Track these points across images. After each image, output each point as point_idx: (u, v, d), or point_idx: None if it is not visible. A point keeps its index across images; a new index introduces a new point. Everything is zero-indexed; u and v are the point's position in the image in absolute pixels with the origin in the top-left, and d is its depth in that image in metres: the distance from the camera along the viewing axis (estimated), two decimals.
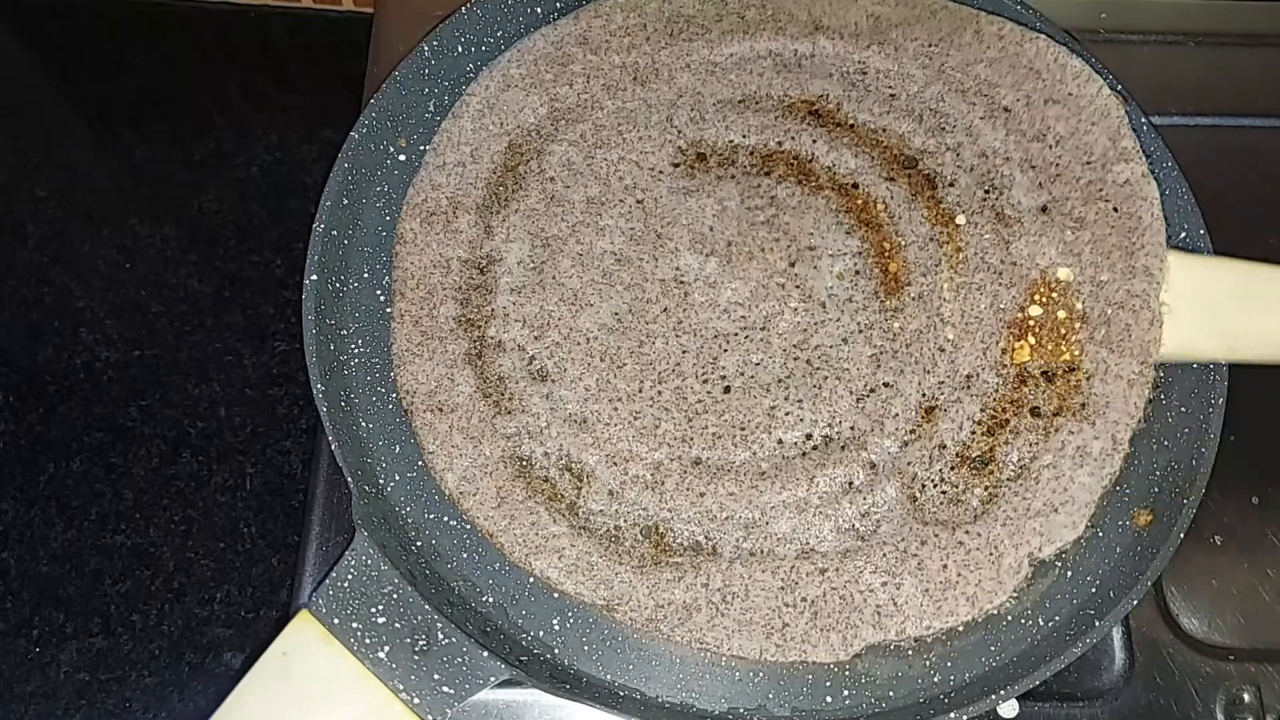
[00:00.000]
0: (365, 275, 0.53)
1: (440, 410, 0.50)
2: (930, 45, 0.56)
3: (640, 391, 0.51)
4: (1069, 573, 0.49)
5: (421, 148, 0.55)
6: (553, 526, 0.48)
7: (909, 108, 0.55)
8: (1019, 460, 0.49)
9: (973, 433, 0.49)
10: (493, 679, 0.44)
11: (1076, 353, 0.50)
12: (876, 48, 0.56)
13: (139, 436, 0.59)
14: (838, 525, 0.48)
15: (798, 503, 0.49)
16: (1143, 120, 0.55)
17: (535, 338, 0.51)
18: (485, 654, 0.44)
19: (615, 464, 0.49)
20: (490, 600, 0.48)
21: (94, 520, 0.58)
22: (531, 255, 0.53)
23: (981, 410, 0.50)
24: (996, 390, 0.50)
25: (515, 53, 0.56)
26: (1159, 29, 0.65)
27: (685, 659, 0.48)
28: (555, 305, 0.52)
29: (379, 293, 0.53)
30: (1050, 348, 0.50)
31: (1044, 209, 0.52)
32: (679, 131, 0.56)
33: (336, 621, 0.45)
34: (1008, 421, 0.49)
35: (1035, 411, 0.49)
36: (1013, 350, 0.50)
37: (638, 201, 0.54)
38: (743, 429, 0.50)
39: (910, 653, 0.48)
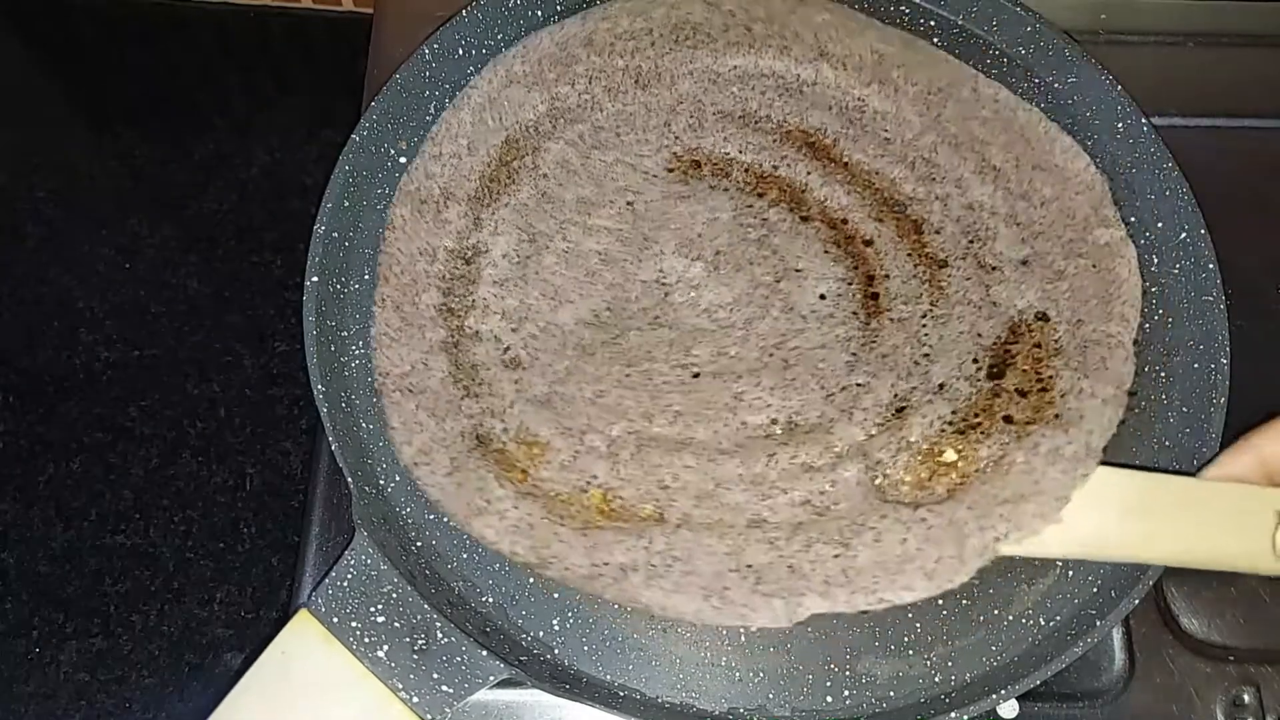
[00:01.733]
0: (366, 277, 0.53)
1: (410, 391, 0.50)
2: (929, 93, 0.57)
3: (608, 374, 0.50)
4: (1069, 572, 0.48)
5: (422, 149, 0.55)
6: (499, 490, 0.48)
7: (902, 154, 0.56)
8: (989, 456, 0.48)
9: (942, 430, 0.49)
10: (492, 678, 0.44)
11: (1050, 375, 0.50)
12: (877, 86, 0.57)
13: (139, 436, 0.60)
14: (793, 500, 0.48)
15: (754, 478, 0.48)
16: (1143, 120, 0.55)
17: (512, 330, 0.51)
18: (484, 653, 0.44)
19: (572, 436, 0.49)
20: (490, 600, 0.48)
21: (94, 520, 0.58)
22: (518, 249, 0.53)
23: (953, 413, 0.49)
24: (970, 398, 0.50)
25: (520, 49, 0.56)
26: (1159, 29, 0.65)
27: (685, 658, 0.48)
28: (536, 299, 0.52)
29: None
30: (1025, 370, 0.50)
31: (1025, 261, 0.53)
32: (676, 137, 0.56)
33: (336, 621, 0.45)
34: (979, 424, 0.49)
35: (1008, 419, 0.49)
36: (987, 368, 0.50)
37: (628, 203, 0.54)
38: (707, 408, 0.50)
39: (910, 652, 0.48)
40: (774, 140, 0.56)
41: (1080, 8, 0.65)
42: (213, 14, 0.70)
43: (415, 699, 0.44)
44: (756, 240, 0.54)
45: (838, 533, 0.47)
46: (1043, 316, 0.51)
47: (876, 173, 0.55)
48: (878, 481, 0.48)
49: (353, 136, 0.53)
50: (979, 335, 0.51)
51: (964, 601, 0.48)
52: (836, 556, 0.46)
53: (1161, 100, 0.60)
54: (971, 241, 0.54)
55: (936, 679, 0.47)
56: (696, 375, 0.51)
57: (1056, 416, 0.49)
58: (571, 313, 0.52)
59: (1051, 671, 0.45)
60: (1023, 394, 0.50)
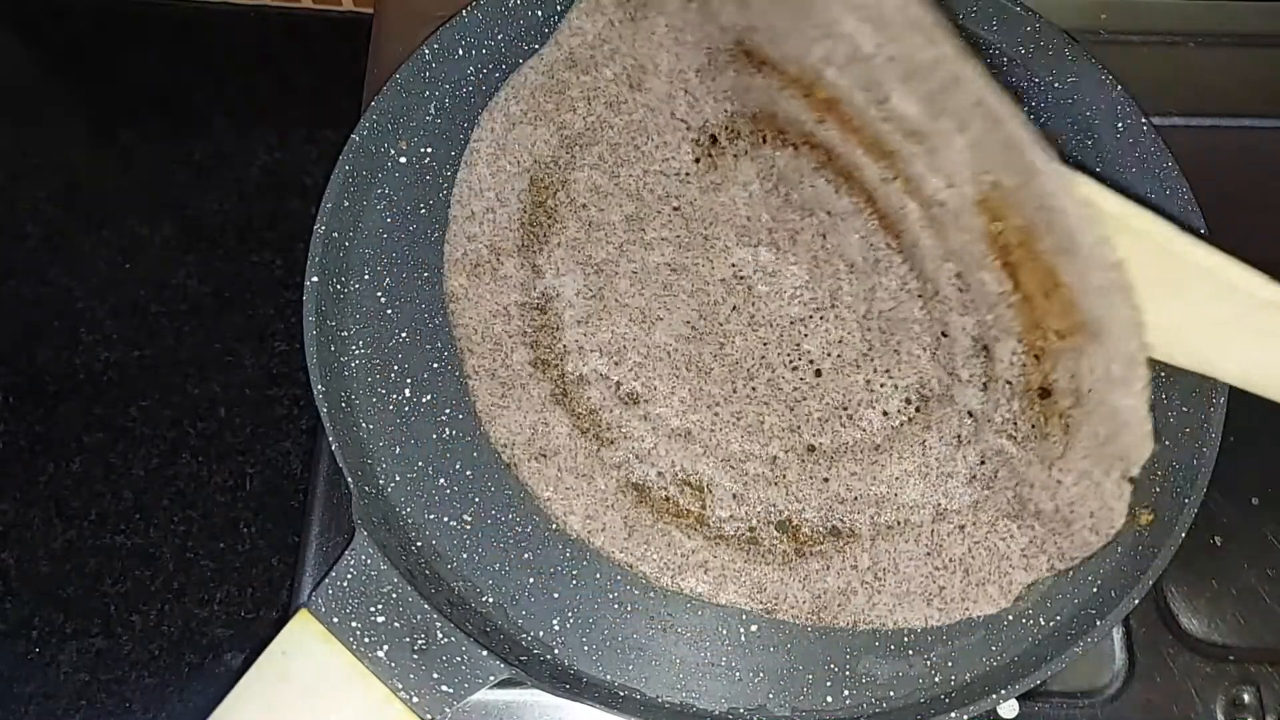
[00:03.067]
0: (366, 277, 0.53)
1: (544, 456, 0.50)
2: None
3: (735, 392, 0.51)
4: (1069, 572, 0.49)
5: (422, 149, 0.55)
6: (689, 543, 0.48)
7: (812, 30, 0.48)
8: (1071, 385, 0.48)
9: (1024, 364, 0.49)
10: (492, 678, 0.44)
11: (1048, 261, 0.46)
12: None
13: (139, 436, 0.59)
14: (961, 480, 0.49)
15: (919, 469, 0.49)
16: (1143, 120, 0.55)
17: (615, 363, 0.51)
18: (484, 653, 0.44)
19: (732, 466, 0.50)
20: (490, 600, 0.48)
21: (94, 520, 0.58)
22: (587, 284, 0.52)
23: (1019, 341, 0.49)
24: (1016, 320, 0.49)
25: (509, 90, 0.55)
26: (1159, 29, 0.66)
27: (685, 658, 0.48)
28: (625, 326, 0.52)
29: (380, 294, 0.53)
30: (1030, 265, 0.47)
31: (929, 99, 0.46)
32: (684, 122, 0.55)
33: (336, 620, 0.45)
34: (1043, 347, 0.49)
35: (1058, 333, 0.48)
36: (1002, 271, 0.48)
37: (674, 209, 0.54)
38: (845, 409, 0.50)
39: (910, 652, 0.48)
40: (734, 72, 0.52)
41: (1080, 8, 0.65)
42: (213, 14, 0.70)
43: (415, 699, 0.44)
44: (785, 202, 0.53)
45: (1008, 505, 0.48)
46: (988, 181, 0.46)
47: (795, 60, 0.49)
48: (1014, 438, 0.49)
49: (353, 136, 0.53)
50: (967, 228, 0.47)
51: None
52: (1020, 530, 0.48)
53: (1161, 100, 0.60)
54: (878, 105, 0.47)
55: (936, 679, 0.47)
56: (819, 373, 0.51)
57: (1084, 324, 0.46)
58: (665, 330, 0.52)
59: (1051, 671, 0.45)
60: (1046, 297, 0.47)
